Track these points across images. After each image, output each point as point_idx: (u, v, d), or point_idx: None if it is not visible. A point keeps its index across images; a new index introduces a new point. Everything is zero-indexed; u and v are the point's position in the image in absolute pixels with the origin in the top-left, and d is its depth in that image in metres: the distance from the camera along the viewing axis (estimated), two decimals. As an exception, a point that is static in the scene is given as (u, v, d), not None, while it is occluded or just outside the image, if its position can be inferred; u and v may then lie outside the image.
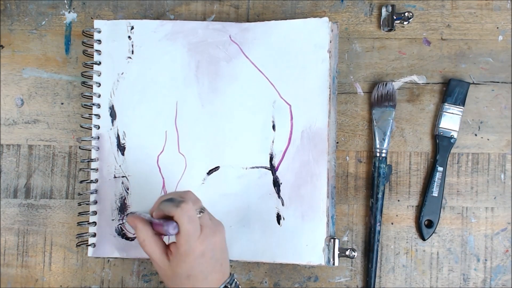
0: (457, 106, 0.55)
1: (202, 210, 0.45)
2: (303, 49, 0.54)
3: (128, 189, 0.55)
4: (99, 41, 0.56)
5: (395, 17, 0.56)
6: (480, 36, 0.57)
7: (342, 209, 0.56)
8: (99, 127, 0.56)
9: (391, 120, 0.55)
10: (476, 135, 0.56)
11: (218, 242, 0.44)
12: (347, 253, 0.53)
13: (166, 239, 0.52)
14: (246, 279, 0.56)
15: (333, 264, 0.53)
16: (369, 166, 0.56)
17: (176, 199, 0.43)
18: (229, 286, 0.44)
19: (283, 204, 0.54)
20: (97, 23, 0.56)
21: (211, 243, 0.43)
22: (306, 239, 0.53)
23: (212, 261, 0.43)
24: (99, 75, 0.56)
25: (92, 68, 0.56)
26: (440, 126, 0.55)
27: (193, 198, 0.45)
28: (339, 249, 0.53)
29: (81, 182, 0.55)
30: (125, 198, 0.55)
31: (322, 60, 0.54)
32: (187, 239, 0.42)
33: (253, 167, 0.55)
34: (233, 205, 0.55)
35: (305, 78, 0.54)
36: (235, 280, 0.46)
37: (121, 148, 0.55)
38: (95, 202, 0.55)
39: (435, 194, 0.55)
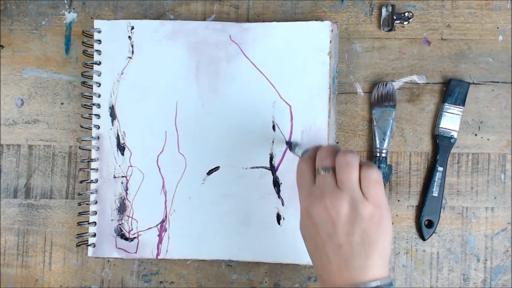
0: (457, 106, 0.55)
1: (324, 168, 0.41)
2: (303, 51, 0.55)
3: (127, 189, 0.55)
4: (99, 41, 0.56)
5: (395, 17, 0.56)
6: (480, 36, 0.57)
7: (342, 209, 0.56)
8: (99, 127, 0.56)
9: (391, 120, 0.55)
10: (476, 135, 0.56)
11: (329, 212, 0.39)
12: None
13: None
14: (246, 279, 0.56)
15: None
16: (369, 166, 0.56)
17: (306, 152, 0.44)
18: None
19: (283, 204, 0.54)
20: (97, 23, 0.56)
21: (318, 206, 0.40)
22: (306, 239, 0.53)
23: (321, 230, 0.40)
24: (99, 75, 0.56)
25: (92, 68, 0.56)
26: (440, 126, 0.55)
27: (323, 154, 0.42)
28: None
29: (81, 182, 0.55)
30: (125, 198, 0.55)
31: (322, 62, 0.54)
32: (299, 193, 0.43)
33: (253, 167, 0.55)
34: (233, 205, 0.55)
35: (305, 78, 0.54)
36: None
37: (121, 148, 0.55)
38: (95, 202, 0.55)
39: (435, 194, 0.55)
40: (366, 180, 0.40)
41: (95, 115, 0.56)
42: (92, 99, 0.56)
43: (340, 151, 0.42)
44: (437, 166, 0.55)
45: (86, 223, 0.55)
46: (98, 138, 0.56)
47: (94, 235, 0.55)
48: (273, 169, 0.54)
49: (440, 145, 0.55)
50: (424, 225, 0.55)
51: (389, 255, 0.41)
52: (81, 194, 0.55)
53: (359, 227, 0.39)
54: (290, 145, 0.52)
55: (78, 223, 0.55)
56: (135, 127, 0.55)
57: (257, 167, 0.55)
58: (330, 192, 0.40)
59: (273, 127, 0.55)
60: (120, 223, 0.55)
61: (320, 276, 0.41)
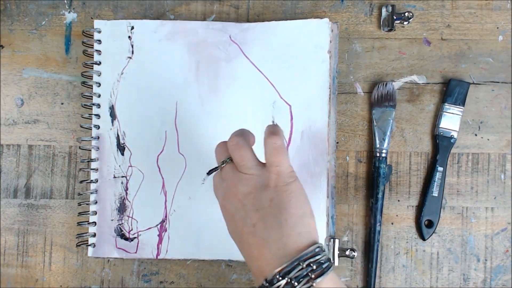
0: (457, 106, 0.55)
1: (224, 161, 0.41)
2: (303, 50, 0.54)
3: (127, 189, 0.55)
4: (99, 41, 0.56)
5: (395, 17, 0.56)
6: (480, 36, 0.57)
7: (342, 209, 0.56)
8: (99, 127, 0.56)
9: (391, 120, 0.55)
10: (476, 135, 0.56)
11: (236, 196, 0.38)
12: (347, 253, 0.53)
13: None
14: (246, 279, 0.56)
15: (333, 264, 0.53)
16: (369, 166, 0.56)
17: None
18: (281, 277, 0.34)
19: (283, 204, 0.54)
20: (97, 23, 0.56)
21: (221, 195, 0.40)
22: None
23: (237, 217, 0.38)
24: (99, 75, 0.56)
25: (92, 68, 0.56)
26: (440, 126, 0.55)
27: (217, 150, 0.42)
28: (339, 249, 0.53)
29: (81, 182, 0.55)
30: (124, 198, 0.55)
31: (322, 60, 0.54)
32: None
33: (253, 167, 0.54)
34: (233, 205, 0.54)
35: (305, 78, 0.54)
36: (304, 263, 0.34)
37: (121, 148, 0.55)
38: (95, 202, 0.55)
39: (435, 194, 0.55)
40: (267, 149, 0.39)
41: (95, 115, 0.56)
42: (92, 99, 0.56)
43: (222, 144, 0.41)
44: (437, 166, 0.55)
45: (86, 223, 0.55)
46: (98, 138, 0.56)
47: (94, 235, 0.55)
48: (273, 169, 0.54)
49: (440, 145, 0.55)
50: (424, 225, 0.55)
51: (309, 221, 0.37)
52: (81, 194, 0.55)
53: (265, 199, 0.37)
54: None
55: (78, 223, 0.55)
56: (135, 127, 0.55)
57: (257, 167, 0.54)
58: (232, 178, 0.39)
59: (273, 127, 0.55)
60: (120, 223, 0.55)
61: (251, 270, 0.38)
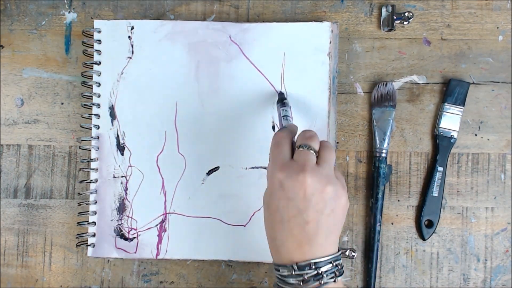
0: (457, 106, 0.55)
1: (309, 147, 0.41)
2: (303, 52, 0.55)
3: (127, 189, 0.55)
4: (99, 41, 0.56)
5: (395, 17, 0.56)
6: (480, 36, 0.57)
7: (342, 209, 0.56)
8: (99, 127, 0.56)
9: (391, 120, 0.55)
10: (476, 135, 0.56)
11: (307, 189, 0.39)
12: (347, 253, 0.53)
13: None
14: (246, 279, 0.56)
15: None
16: (369, 166, 0.56)
17: (287, 127, 0.45)
18: (313, 267, 0.39)
19: (283, 204, 0.54)
20: (97, 23, 0.56)
21: (293, 181, 0.40)
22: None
23: (291, 204, 0.40)
24: (99, 75, 0.56)
25: (92, 68, 0.56)
26: (440, 126, 0.55)
27: (307, 134, 0.43)
28: (339, 249, 0.53)
29: (81, 182, 0.55)
30: (124, 198, 0.55)
31: (322, 62, 0.54)
32: (270, 163, 0.42)
33: (253, 167, 0.55)
34: (233, 205, 0.55)
35: (304, 79, 0.54)
36: (334, 263, 0.40)
37: (121, 148, 0.55)
38: (95, 202, 0.55)
39: (435, 194, 0.55)
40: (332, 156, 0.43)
41: (95, 115, 0.56)
42: (92, 99, 0.56)
43: (316, 135, 0.44)
44: (437, 166, 0.55)
45: (86, 223, 0.55)
46: (98, 138, 0.56)
47: (94, 235, 0.55)
48: (273, 169, 0.54)
49: (440, 145, 0.55)
50: (424, 225, 0.55)
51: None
52: (81, 194, 0.55)
53: (329, 207, 0.40)
54: (282, 97, 0.53)
55: (78, 223, 0.55)
56: (134, 127, 0.55)
57: (257, 167, 0.55)
58: (312, 169, 0.40)
59: (273, 128, 0.55)
60: (120, 223, 0.55)
61: (276, 249, 0.41)
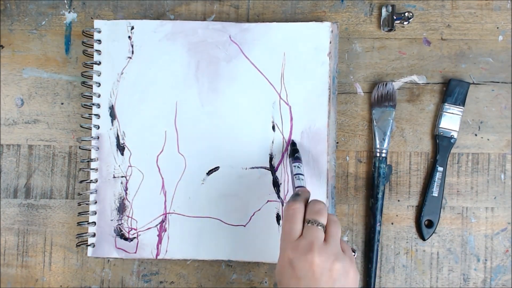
0: (457, 106, 0.55)
1: (318, 223, 0.42)
2: (303, 52, 0.55)
3: (127, 189, 0.55)
4: (99, 41, 0.56)
5: (395, 17, 0.56)
6: (480, 36, 0.57)
7: (342, 209, 0.56)
8: (99, 127, 0.56)
9: (391, 120, 0.55)
10: (476, 135, 0.56)
11: (317, 267, 0.40)
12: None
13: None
14: (246, 279, 0.56)
15: None
16: (369, 166, 0.56)
17: (300, 195, 0.43)
18: None
19: (282, 204, 0.54)
20: (97, 23, 0.56)
21: (303, 259, 0.40)
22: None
23: (302, 281, 0.40)
24: (99, 75, 0.56)
25: (92, 68, 0.56)
26: (440, 126, 0.55)
27: (316, 207, 0.43)
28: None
29: (81, 182, 0.55)
30: (124, 198, 0.55)
31: (322, 62, 0.54)
32: (282, 235, 0.42)
33: (252, 168, 0.55)
34: (233, 205, 0.55)
35: (305, 79, 0.54)
36: None
37: (121, 148, 0.55)
38: (95, 202, 0.55)
39: (435, 194, 0.55)
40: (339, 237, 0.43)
41: (95, 115, 0.56)
42: (92, 99, 0.56)
43: (325, 207, 0.44)
44: (437, 166, 0.55)
45: (86, 223, 0.55)
46: (98, 138, 0.56)
47: (94, 235, 0.55)
48: (272, 169, 0.54)
49: (440, 145, 0.55)
50: (424, 225, 0.55)
51: None
52: (81, 194, 0.55)
53: (338, 284, 0.40)
54: (294, 149, 0.53)
55: (78, 223, 0.55)
56: (135, 127, 0.55)
57: (257, 167, 0.55)
58: (319, 248, 0.41)
59: (273, 128, 0.55)
60: (120, 223, 0.55)
61: None
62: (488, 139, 0.56)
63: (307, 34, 0.55)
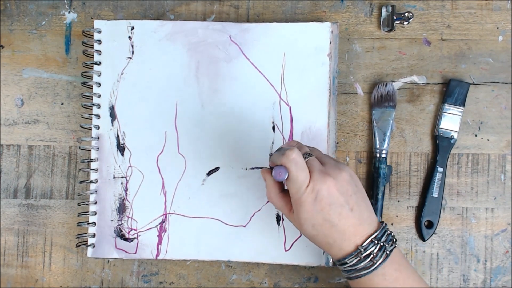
0: (457, 107, 0.55)
1: (308, 154, 0.44)
2: (303, 52, 0.54)
3: (127, 189, 0.55)
4: (99, 41, 0.56)
5: (395, 17, 0.56)
6: (480, 36, 0.57)
7: (342, 210, 0.56)
8: (99, 127, 0.56)
9: (391, 121, 0.55)
10: (476, 135, 0.56)
11: (335, 186, 0.42)
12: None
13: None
14: (246, 279, 0.56)
15: (333, 264, 0.53)
16: (369, 166, 0.56)
17: (283, 147, 0.44)
18: (375, 241, 0.42)
19: (283, 205, 0.54)
20: (97, 23, 0.56)
21: (324, 188, 0.42)
22: (306, 239, 0.53)
23: (333, 207, 0.42)
24: (99, 75, 0.56)
25: (92, 68, 0.56)
26: (440, 126, 0.55)
27: (299, 144, 0.45)
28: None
29: (81, 182, 0.55)
30: (124, 198, 0.55)
31: (322, 63, 0.54)
32: (296, 187, 0.42)
33: (253, 168, 0.55)
34: (233, 205, 0.55)
35: (305, 79, 0.54)
36: (387, 231, 0.43)
37: (121, 148, 0.55)
38: (95, 203, 0.55)
39: (435, 194, 0.55)
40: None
41: (95, 115, 0.56)
42: (92, 99, 0.56)
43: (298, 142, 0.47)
44: (437, 166, 0.55)
45: (86, 223, 0.55)
46: (98, 138, 0.56)
47: (94, 235, 0.55)
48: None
49: (440, 145, 0.55)
50: (424, 226, 0.55)
51: None
52: (81, 195, 0.55)
53: (352, 185, 0.43)
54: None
55: (78, 223, 0.55)
56: (135, 127, 0.55)
57: (257, 168, 0.55)
58: (333, 169, 0.43)
59: (273, 128, 0.55)
60: (120, 223, 0.55)
61: (338, 246, 0.43)
62: (488, 140, 0.56)
63: (307, 34, 0.54)
